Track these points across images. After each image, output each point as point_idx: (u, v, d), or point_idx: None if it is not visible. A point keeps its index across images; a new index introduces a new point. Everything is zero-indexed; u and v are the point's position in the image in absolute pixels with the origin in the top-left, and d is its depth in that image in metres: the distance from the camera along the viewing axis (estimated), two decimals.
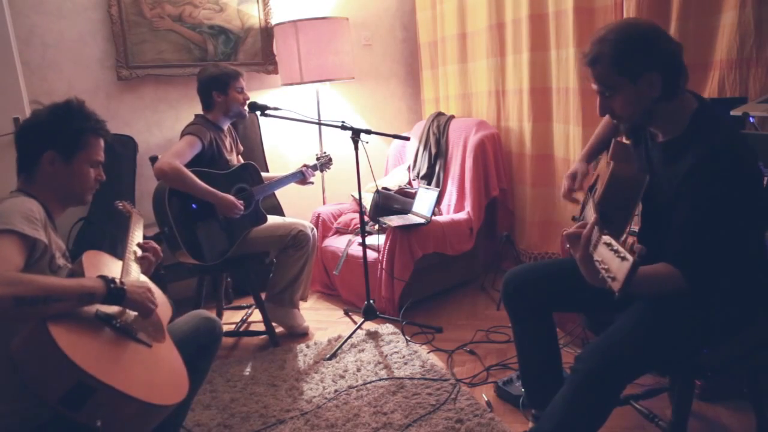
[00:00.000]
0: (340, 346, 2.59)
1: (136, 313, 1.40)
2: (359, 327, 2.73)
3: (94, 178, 1.55)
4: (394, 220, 2.98)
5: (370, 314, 2.74)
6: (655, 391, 1.87)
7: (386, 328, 2.78)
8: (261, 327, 2.73)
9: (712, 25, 2.21)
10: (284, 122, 3.20)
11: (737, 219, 1.32)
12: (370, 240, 3.00)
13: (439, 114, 3.67)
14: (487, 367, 2.36)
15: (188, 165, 2.44)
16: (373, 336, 2.71)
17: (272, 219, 2.81)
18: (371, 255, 2.91)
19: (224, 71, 2.62)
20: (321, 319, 3.04)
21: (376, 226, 3.08)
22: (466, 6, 3.52)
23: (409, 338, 2.65)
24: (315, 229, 2.83)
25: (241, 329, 2.94)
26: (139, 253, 1.62)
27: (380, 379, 2.31)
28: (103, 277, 1.30)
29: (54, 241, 1.41)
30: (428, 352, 2.54)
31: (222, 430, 2.03)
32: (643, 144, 1.56)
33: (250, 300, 2.99)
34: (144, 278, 1.55)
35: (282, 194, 3.25)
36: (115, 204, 1.93)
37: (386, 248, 2.90)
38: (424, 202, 3.14)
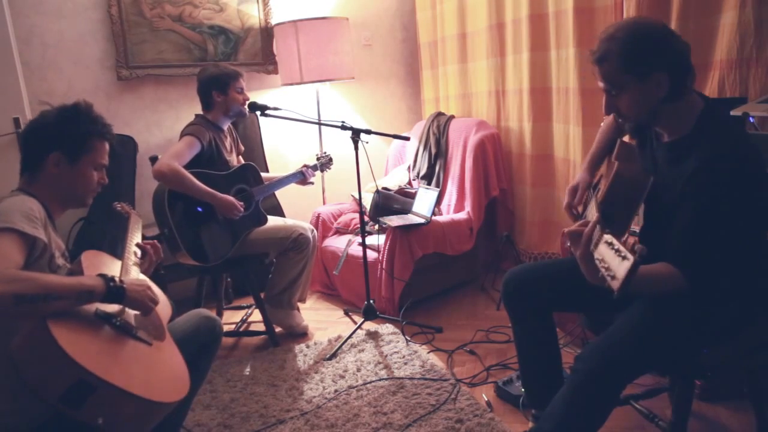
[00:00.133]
0: (340, 346, 2.59)
1: (136, 312, 1.40)
2: (359, 327, 2.73)
3: (96, 181, 1.56)
4: (394, 220, 2.98)
5: (370, 314, 2.74)
6: (655, 391, 1.87)
7: (386, 328, 2.78)
8: (261, 327, 2.74)
9: (712, 25, 2.20)
10: (284, 122, 3.20)
11: (740, 220, 1.32)
12: (370, 240, 3.00)
13: (439, 114, 3.67)
14: (487, 367, 2.36)
15: (188, 165, 2.44)
16: (373, 336, 2.71)
17: (273, 220, 2.81)
18: (371, 255, 2.91)
19: (224, 71, 2.62)
20: (321, 319, 3.04)
21: (376, 226, 3.08)
22: (466, 6, 3.52)
23: (409, 338, 2.65)
24: (315, 231, 2.83)
25: (241, 329, 2.94)
26: (139, 253, 1.62)
27: (380, 379, 2.31)
28: (102, 275, 1.30)
29: (54, 241, 1.41)
30: (428, 352, 2.54)
31: (222, 430, 2.03)
32: (649, 144, 1.56)
33: (250, 300, 2.99)
34: (143, 278, 1.55)
35: (282, 194, 3.26)
36: (113, 205, 1.93)
37: (386, 248, 2.90)
38: (424, 202, 3.14)
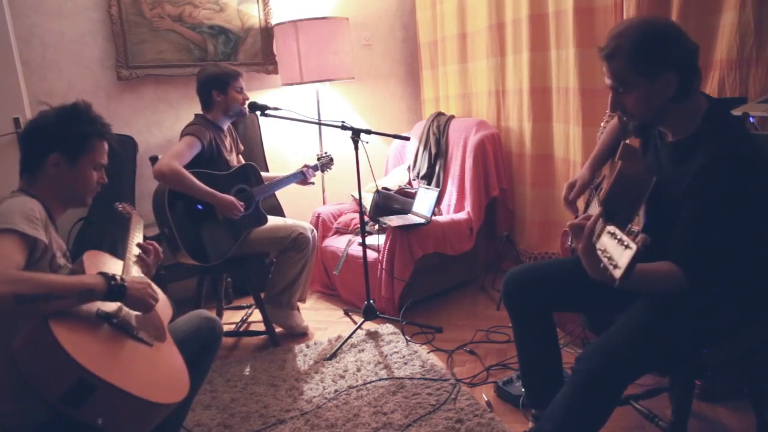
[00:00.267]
0: (340, 346, 2.59)
1: (137, 312, 1.40)
2: (359, 327, 2.73)
3: (96, 180, 1.56)
4: (394, 220, 2.98)
5: (370, 314, 2.74)
6: (655, 391, 1.88)
7: (386, 328, 2.78)
8: (261, 327, 2.74)
9: (712, 25, 2.21)
10: (284, 122, 3.20)
11: (742, 221, 1.32)
12: (370, 240, 3.00)
13: (439, 114, 3.67)
14: (487, 367, 2.36)
15: (188, 165, 2.44)
16: (373, 336, 2.71)
17: (273, 220, 2.81)
18: (371, 255, 2.91)
19: (224, 71, 2.62)
20: (321, 319, 3.04)
21: (376, 226, 3.08)
22: (466, 6, 3.52)
23: (409, 338, 2.65)
24: (315, 231, 2.83)
25: (241, 329, 2.94)
26: (139, 252, 1.62)
27: (380, 379, 2.31)
28: (103, 274, 1.30)
29: (55, 241, 1.41)
30: (428, 352, 2.54)
31: (222, 430, 2.03)
32: (652, 144, 1.56)
33: (250, 300, 2.99)
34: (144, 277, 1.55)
35: (282, 194, 3.26)
36: (114, 206, 1.93)
37: (386, 248, 2.90)
38: (424, 202, 3.14)
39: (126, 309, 1.38)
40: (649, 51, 1.35)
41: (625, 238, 1.06)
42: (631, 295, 1.46)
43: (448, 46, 3.71)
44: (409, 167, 3.67)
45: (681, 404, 1.51)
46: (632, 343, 1.36)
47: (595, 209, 1.54)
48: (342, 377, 2.35)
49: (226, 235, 2.55)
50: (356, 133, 2.59)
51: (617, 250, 1.07)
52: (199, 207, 2.46)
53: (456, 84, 3.71)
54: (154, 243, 1.68)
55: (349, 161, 2.78)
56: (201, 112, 2.69)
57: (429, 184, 3.45)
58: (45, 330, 1.14)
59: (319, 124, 3.16)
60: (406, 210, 3.19)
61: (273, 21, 3.51)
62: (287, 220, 2.89)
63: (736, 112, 1.89)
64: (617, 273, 1.05)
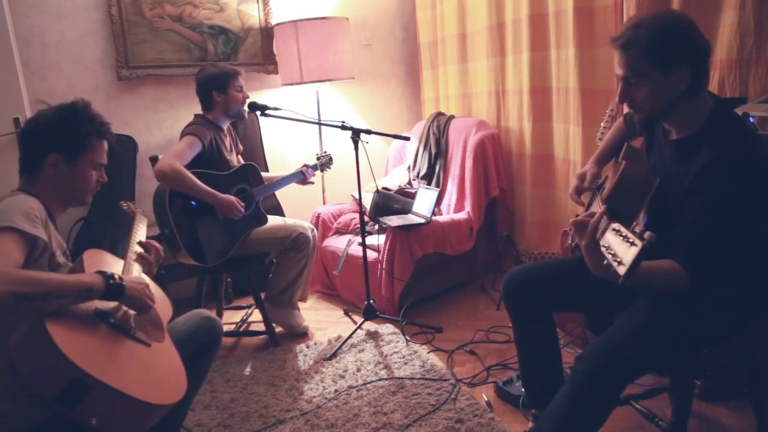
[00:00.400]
0: (340, 346, 2.59)
1: (135, 312, 1.40)
2: (359, 327, 2.73)
3: (95, 180, 1.55)
4: (394, 220, 2.98)
5: (370, 314, 2.74)
6: (655, 391, 1.87)
7: (386, 328, 2.78)
8: (261, 327, 2.73)
9: (712, 25, 2.20)
10: (284, 122, 3.20)
11: (746, 219, 1.31)
12: (370, 240, 3.00)
13: (439, 114, 3.67)
14: (487, 367, 2.36)
15: (189, 165, 2.44)
16: (373, 336, 2.71)
17: (273, 220, 2.81)
18: (371, 255, 2.91)
19: (223, 70, 2.62)
20: (321, 319, 3.04)
21: (376, 226, 3.08)
22: (466, 6, 3.52)
23: (409, 338, 2.65)
24: (315, 231, 2.83)
25: (241, 329, 2.94)
26: (140, 251, 1.62)
27: (380, 379, 2.31)
28: (101, 273, 1.29)
29: (54, 239, 1.41)
30: (428, 352, 2.53)
31: (222, 430, 2.03)
32: (656, 144, 1.56)
33: (250, 300, 2.99)
34: (145, 277, 1.55)
35: (282, 194, 3.25)
36: (119, 204, 1.93)
37: (386, 248, 2.90)
38: (424, 202, 3.14)
39: (124, 308, 1.37)
40: (667, 43, 1.34)
41: (630, 234, 1.06)
42: (631, 295, 1.46)
43: (448, 46, 3.71)
44: (409, 167, 3.67)
45: (681, 404, 1.50)
46: (632, 343, 1.36)
47: (597, 209, 1.54)
48: (342, 377, 2.35)
49: (226, 235, 2.55)
50: (356, 133, 2.59)
51: (622, 247, 1.06)
52: (193, 203, 2.46)
53: (456, 84, 3.71)
54: (153, 242, 1.67)
55: (349, 161, 2.78)
56: (201, 112, 2.69)
57: (429, 184, 3.45)
58: (40, 328, 1.14)
59: (319, 124, 3.16)
60: (406, 210, 3.19)
61: (273, 21, 3.51)
62: (287, 220, 2.89)
63: (736, 112, 1.89)
64: (622, 270, 1.04)
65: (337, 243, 3.22)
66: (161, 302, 1.53)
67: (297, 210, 3.47)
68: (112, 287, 1.29)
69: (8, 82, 2.73)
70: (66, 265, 1.43)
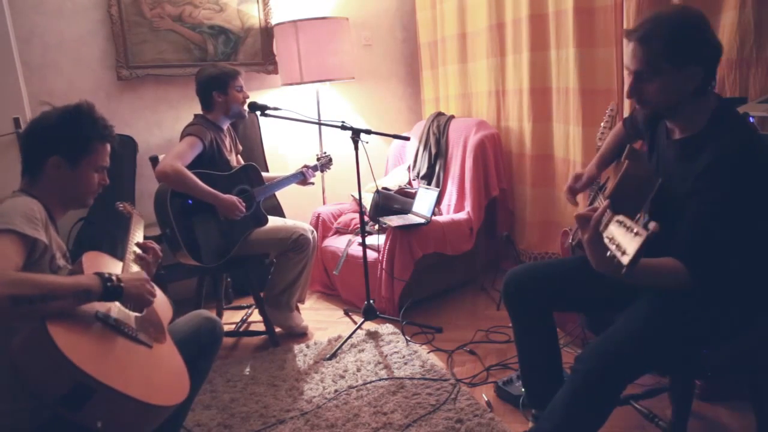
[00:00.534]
0: (340, 346, 2.59)
1: (136, 314, 1.40)
2: (359, 327, 2.73)
3: (97, 182, 1.55)
4: (394, 220, 2.98)
5: (370, 314, 2.74)
6: (655, 391, 1.87)
7: (386, 328, 2.78)
8: (261, 327, 2.74)
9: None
10: (284, 122, 3.20)
11: (748, 220, 1.31)
12: (370, 240, 3.00)
13: (439, 114, 3.67)
14: (487, 367, 2.36)
15: (189, 166, 2.44)
16: (373, 336, 2.71)
17: (273, 220, 2.81)
18: (371, 255, 2.91)
19: (222, 71, 2.62)
20: (321, 319, 3.04)
21: (376, 226, 3.08)
22: (466, 6, 3.52)
23: (409, 338, 2.65)
24: (315, 232, 2.83)
25: (241, 329, 2.94)
26: (139, 252, 1.62)
27: (380, 379, 2.31)
28: (99, 274, 1.29)
29: (55, 241, 1.41)
30: (428, 352, 2.54)
31: (222, 430, 2.03)
32: (658, 144, 1.56)
33: (250, 300, 3.00)
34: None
35: (282, 194, 3.26)
36: (115, 205, 1.93)
37: (386, 248, 2.90)
38: (424, 202, 3.14)
39: (125, 310, 1.37)
40: (684, 40, 1.34)
41: (634, 225, 1.05)
42: (631, 295, 1.46)
43: (448, 46, 3.71)
44: (409, 167, 3.67)
45: (681, 404, 1.51)
46: (632, 343, 1.36)
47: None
48: (342, 377, 2.35)
49: (227, 235, 2.55)
50: (356, 133, 2.59)
51: (626, 238, 1.06)
52: (189, 202, 2.45)
53: (456, 84, 3.71)
54: (151, 242, 1.67)
55: (349, 161, 2.78)
56: (201, 113, 2.69)
57: (429, 184, 3.45)
58: (42, 332, 1.13)
59: (319, 124, 3.16)
60: (406, 210, 3.19)
61: (273, 21, 3.51)
62: (288, 221, 2.89)
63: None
64: (625, 259, 1.03)
65: (337, 243, 3.22)
66: (161, 303, 1.53)
67: (297, 210, 3.47)
68: (110, 289, 1.28)
69: (8, 82, 2.73)
70: (65, 268, 1.43)
